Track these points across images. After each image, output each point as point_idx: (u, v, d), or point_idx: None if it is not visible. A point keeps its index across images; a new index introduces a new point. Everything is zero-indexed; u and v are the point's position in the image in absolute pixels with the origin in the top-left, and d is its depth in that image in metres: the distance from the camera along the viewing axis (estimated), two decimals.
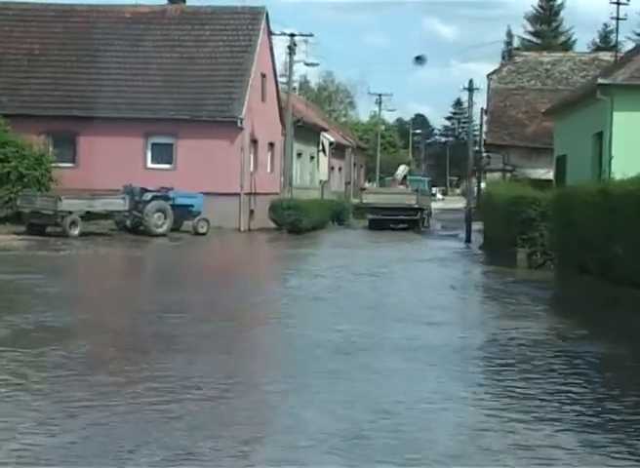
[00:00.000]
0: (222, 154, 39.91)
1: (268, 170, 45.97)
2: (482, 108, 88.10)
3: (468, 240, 36.68)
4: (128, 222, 35.85)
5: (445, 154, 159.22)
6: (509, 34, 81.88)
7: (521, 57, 42.12)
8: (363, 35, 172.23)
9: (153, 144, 40.85)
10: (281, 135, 48.00)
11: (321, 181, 59.36)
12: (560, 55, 42.66)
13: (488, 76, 41.10)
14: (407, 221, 46.45)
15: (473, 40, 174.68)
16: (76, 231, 32.54)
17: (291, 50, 42.33)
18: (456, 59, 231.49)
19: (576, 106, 27.77)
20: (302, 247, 33.86)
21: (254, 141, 42.79)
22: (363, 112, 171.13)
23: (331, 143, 62.41)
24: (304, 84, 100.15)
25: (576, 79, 40.43)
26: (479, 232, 34.66)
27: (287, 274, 22.85)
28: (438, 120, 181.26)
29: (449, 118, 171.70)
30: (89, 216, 33.84)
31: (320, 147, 59.38)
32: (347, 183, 70.95)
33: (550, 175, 34.33)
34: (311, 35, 42.24)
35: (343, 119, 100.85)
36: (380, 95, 79.17)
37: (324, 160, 61.05)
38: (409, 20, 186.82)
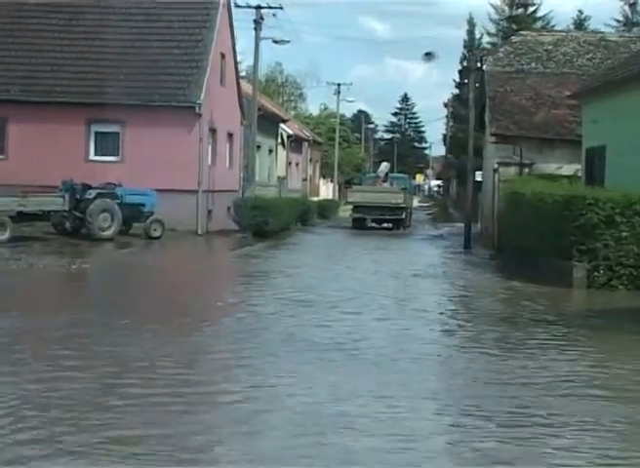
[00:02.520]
0: (178, 145, 34.35)
1: (227, 164, 40.42)
2: (446, 101, 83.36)
3: (468, 246, 31.50)
4: (68, 225, 30.31)
5: (391, 150, 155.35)
6: (471, 23, 76.76)
7: (518, 36, 37.09)
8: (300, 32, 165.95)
9: (97, 133, 35.10)
10: (240, 124, 42.49)
11: (279, 178, 53.89)
12: (562, 34, 37.71)
13: (482, 58, 36.02)
14: (392, 221, 45.07)
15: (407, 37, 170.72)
16: (5, 236, 26.89)
17: (257, 24, 36.77)
18: (390, 56, 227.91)
19: (624, 86, 22.65)
20: (278, 255, 28.50)
21: (212, 131, 37.27)
22: (313, 105, 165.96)
23: (289, 136, 57.00)
24: (251, 75, 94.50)
25: (582, 61, 35.57)
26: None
27: (279, 315, 15.32)
28: (378, 117, 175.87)
29: (395, 114, 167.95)
30: (21, 218, 28.24)
31: (279, 140, 53.94)
32: (304, 180, 65.60)
33: (564, 170, 29.40)
34: (281, 7, 36.79)
35: (293, 112, 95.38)
36: (339, 84, 73.79)
37: (282, 154, 55.61)
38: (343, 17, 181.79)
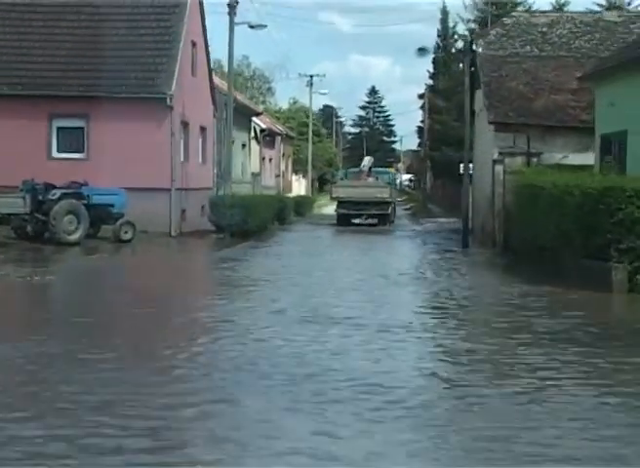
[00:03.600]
0: (148, 140, 31.70)
1: (200, 159, 37.77)
2: (422, 92, 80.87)
3: (466, 244, 29.06)
4: (29, 228, 27.67)
5: (359, 145, 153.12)
6: (444, 11, 74.41)
7: (510, 18, 34.71)
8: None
9: (59, 129, 32.36)
10: (213, 117, 39.87)
11: (253, 174, 51.27)
12: (556, 15, 35.43)
13: (474, 41, 33.61)
14: (378, 216, 43.94)
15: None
16: None
17: (231, 9, 34.11)
18: (355, 52, 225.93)
19: None
20: (262, 260, 25.97)
21: (184, 124, 34.64)
22: (282, 99, 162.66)
23: (262, 130, 54.38)
24: (218, 69, 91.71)
25: (579, 44, 33.24)
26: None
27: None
28: (344, 111, 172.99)
29: (363, 107, 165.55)
30: None
31: (252, 134, 51.32)
32: (277, 176, 63.01)
33: (569, 159, 27.10)
34: None
35: (262, 107, 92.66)
36: (311, 76, 71.19)
37: (255, 149, 52.97)
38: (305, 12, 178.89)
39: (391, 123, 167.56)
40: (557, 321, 13.72)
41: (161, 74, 32.34)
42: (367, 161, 50.69)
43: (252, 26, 34.45)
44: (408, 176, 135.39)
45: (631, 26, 33.64)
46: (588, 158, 26.06)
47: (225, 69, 51.94)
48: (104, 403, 8.61)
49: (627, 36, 32.69)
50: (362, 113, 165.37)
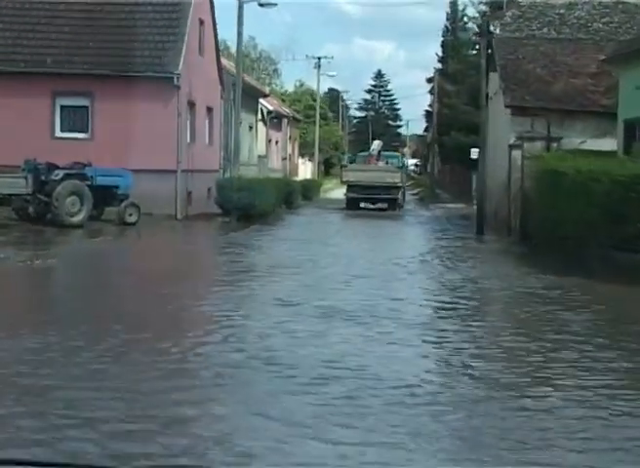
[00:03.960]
0: (154, 120, 30.83)
1: (206, 141, 36.90)
2: (430, 77, 79.73)
3: (481, 231, 28.24)
4: (31, 209, 26.82)
5: (365, 129, 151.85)
6: None
7: None
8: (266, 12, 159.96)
9: (63, 107, 31.50)
10: (220, 98, 38.98)
11: (259, 156, 50.38)
12: None
13: (488, 22, 32.68)
14: (388, 200, 43.47)
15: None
16: None
17: None
18: (360, 36, 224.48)
19: None
20: (270, 244, 25.19)
21: (191, 105, 33.77)
22: (288, 82, 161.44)
23: (269, 112, 53.45)
24: (224, 50, 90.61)
25: (597, 26, 32.36)
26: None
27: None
28: (350, 95, 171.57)
29: (369, 91, 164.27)
30: None
31: (259, 116, 50.39)
32: (284, 159, 62.11)
33: (587, 144, 26.22)
34: None
35: (268, 89, 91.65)
36: (319, 58, 70.13)
37: (262, 131, 52.06)
38: None
39: (397, 107, 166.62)
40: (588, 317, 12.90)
41: (168, 53, 31.47)
42: (376, 145, 50.09)
43: (261, 4, 33.48)
44: (413, 161, 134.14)
45: None
46: (606, 144, 25.28)
47: (232, 50, 51.33)
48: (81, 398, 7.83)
49: None
50: (368, 97, 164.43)
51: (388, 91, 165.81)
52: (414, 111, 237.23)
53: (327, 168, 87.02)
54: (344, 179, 45.43)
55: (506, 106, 27.86)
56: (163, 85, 30.93)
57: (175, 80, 30.91)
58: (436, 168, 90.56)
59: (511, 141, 27.50)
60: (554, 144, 24.34)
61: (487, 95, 37.64)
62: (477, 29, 58.54)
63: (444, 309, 13.71)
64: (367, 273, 17.83)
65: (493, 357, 10.16)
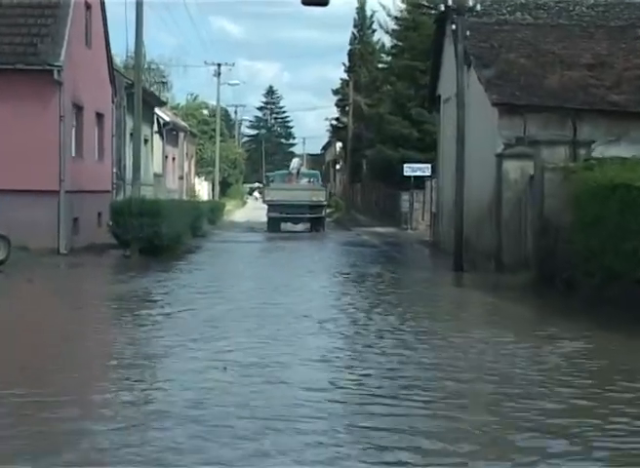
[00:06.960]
0: (30, 126, 23.86)
1: (96, 155, 29.74)
2: (337, 88, 73.52)
3: (460, 267, 21.73)
4: None
5: (257, 147, 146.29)
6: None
7: None
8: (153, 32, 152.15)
9: None
10: (112, 102, 31.92)
11: (156, 175, 43.26)
12: None
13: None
14: (312, 220, 42.52)
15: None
16: None
17: None
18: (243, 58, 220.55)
19: None
20: (188, 298, 18.18)
21: (77, 108, 26.77)
22: (179, 96, 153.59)
23: (166, 124, 46.36)
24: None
25: (580, 10, 26.54)
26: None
27: None
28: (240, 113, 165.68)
29: (260, 108, 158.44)
30: None
31: (155, 128, 43.33)
32: (181, 178, 55.02)
33: (597, 152, 20.10)
34: None
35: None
36: (219, 65, 63.04)
37: (159, 146, 44.96)
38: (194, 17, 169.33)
39: (290, 125, 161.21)
40: None
41: (45, 39, 24.47)
42: (296, 163, 48.23)
43: None
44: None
45: None
46: (620, 151, 19.39)
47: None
48: None
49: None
50: (259, 114, 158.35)
51: (280, 108, 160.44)
52: (306, 130, 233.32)
53: (224, 188, 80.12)
54: (267, 199, 43.86)
55: (493, 105, 21.56)
56: (40, 81, 24.09)
57: (55, 74, 23.96)
58: (338, 187, 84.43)
59: (499, 150, 21.28)
60: (582, 151, 17.99)
61: (434, 98, 31.69)
62: (389, 33, 52.67)
63: None
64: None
65: None
